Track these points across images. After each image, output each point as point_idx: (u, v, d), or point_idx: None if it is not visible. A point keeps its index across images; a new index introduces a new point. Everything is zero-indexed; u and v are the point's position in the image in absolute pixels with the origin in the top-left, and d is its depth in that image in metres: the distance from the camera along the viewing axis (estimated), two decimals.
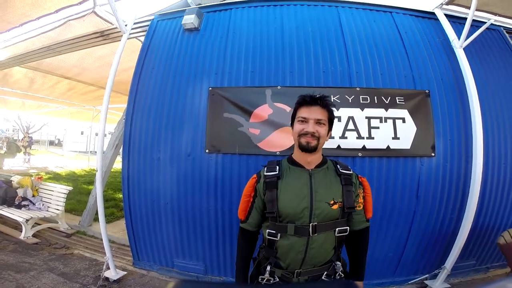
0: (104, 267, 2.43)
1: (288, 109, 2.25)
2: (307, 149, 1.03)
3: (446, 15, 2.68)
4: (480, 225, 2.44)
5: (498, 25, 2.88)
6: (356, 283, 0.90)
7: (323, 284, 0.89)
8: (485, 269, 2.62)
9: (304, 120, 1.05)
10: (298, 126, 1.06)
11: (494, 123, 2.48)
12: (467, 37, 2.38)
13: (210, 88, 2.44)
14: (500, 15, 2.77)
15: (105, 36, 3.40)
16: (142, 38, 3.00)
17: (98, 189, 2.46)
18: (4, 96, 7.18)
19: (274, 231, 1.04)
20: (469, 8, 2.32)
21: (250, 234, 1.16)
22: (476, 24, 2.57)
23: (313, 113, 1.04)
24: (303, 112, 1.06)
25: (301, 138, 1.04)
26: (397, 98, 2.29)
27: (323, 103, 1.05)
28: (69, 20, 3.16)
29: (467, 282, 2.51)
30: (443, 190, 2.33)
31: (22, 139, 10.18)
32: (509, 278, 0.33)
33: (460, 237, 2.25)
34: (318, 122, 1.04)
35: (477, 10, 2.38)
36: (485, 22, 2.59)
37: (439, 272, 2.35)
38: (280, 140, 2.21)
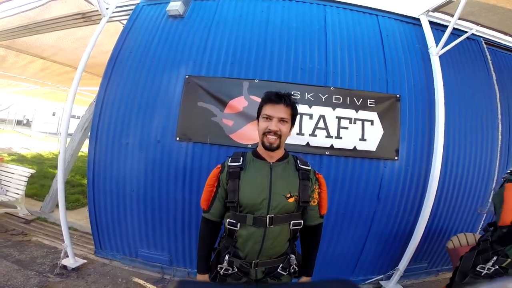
0: (62, 254, 2.35)
1: None
2: (270, 149, 1.07)
3: (431, 22, 2.70)
4: (434, 229, 2.58)
5: (479, 36, 2.94)
6: (353, 282, 0.94)
7: (323, 284, 0.92)
8: (435, 272, 2.78)
9: (268, 118, 1.07)
10: (262, 124, 1.09)
11: (456, 132, 2.59)
12: (445, 45, 2.41)
13: (186, 76, 2.39)
14: (484, 26, 2.80)
15: (87, 18, 3.24)
16: (125, 22, 2.88)
17: (59, 172, 2.35)
18: None
19: (234, 221, 1.07)
20: (453, 16, 2.30)
21: (212, 224, 1.17)
22: (458, 33, 2.63)
23: (277, 111, 1.07)
24: (268, 110, 1.08)
25: (265, 137, 1.07)
26: (368, 100, 2.36)
27: (287, 101, 1.08)
28: (51, 0, 2.98)
29: (419, 283, 2.64)
30: (403, 193, 2.43)
31: None
32: (509, 278, 0.34)
33: (414, 239, 2.35)
34: (281, 120, 1.07)
35: (461, 19, 2.40)
36: (467, 32, 2.63)
37: (393, 273, 2.45)
38: (252, 133, 2.22)
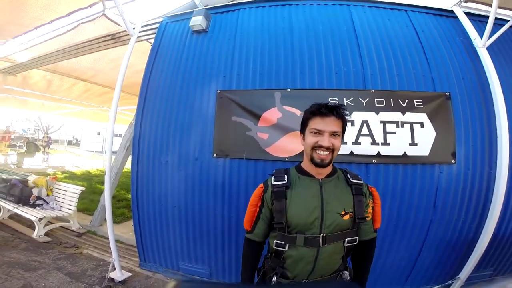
0: (110, 267, 2.46)
1: (298, 112, 2.17)
2: (321, 166, 1.00)
3: (465, 13, 2.53)
4: (501, 235, 2.28)
5: None
6: (353, 283, 0.87)
7: (324, 284, 0.86)
8: (502, 279, 2.43)
9: (318, 132, 1.00)
10: (311, 139, 1.01)
11: None
12: (490, 36, 2.22)
13: (218, 91, 2.41)
14: None
15: (117, 38, 3.47)
16: (152, 41, 3.02)
17: (106, 190, 2.50)
18: (24, 98, 7.51)
19: (282, 242, 1.02)
20: (489, 5, 2.18)
21: (256, 245, 1.14)
22: (497, 22, 2.40)
23: (329, 125, 0.99)
24: (317, 124, 1.00)
25: (314, 152, 1.00)
26: (415, 101, 2.16)
27: (339, 113, 1.00)
28: (81, 23, 3.24)
29: None
30: (463, 199, 2.18)
31: (41, 139, 10.64)
32: (509, 278, 0.25)
33: (478, 247, 2.12)
34: (333, 134, 0.99)
35: (500, 7, 2.23)
36: (508, 20, 2.40)
37: (452, 282, 2.24)
38: (289, 145, 2.14)
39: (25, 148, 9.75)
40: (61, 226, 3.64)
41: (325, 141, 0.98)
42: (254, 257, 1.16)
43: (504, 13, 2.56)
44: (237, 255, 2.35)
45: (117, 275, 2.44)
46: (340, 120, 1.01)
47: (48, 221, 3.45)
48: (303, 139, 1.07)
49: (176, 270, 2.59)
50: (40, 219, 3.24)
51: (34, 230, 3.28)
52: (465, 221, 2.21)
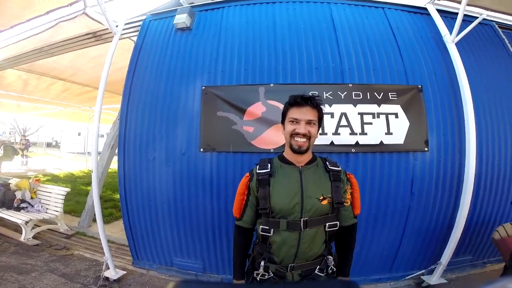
0: (104, 267, 2.46)
1: (281, 106, 2.19)
2: (299, 152, 1.07)
3: (438, 10, 2.68)
4: (475, 220, 2.46)
5: (490, 20, 2.87)
6: (353, 282, 0.94)
7: (323, 284, 0.92)
8: (482, 264, 2.65)
9: (295, 121, 1.07)
10: (289, 127, 1.09)
11: (488, 116, 2.49)
12: (459, 32, 2.37)
13: (203, 87, 2.44)
14: (491, 10, 2.76)
15: (98, 37, 3.38)
16: (135, 38, 2.98)
17: (94, 191, 2.47)
18: None
19: (267, 227, 1.07)
20: (459, 2, 2.31)
21: (245, 231, 1.19)
22: (468, 19, 2.57)
23: (304, 113, 1.06)
24: (294, 113, 1.08)
25: (293, 139, 1.07)
26: (389, 93, 2.30)
27: (314, 103, 1.07)
28: (61, 21, 3.13)
29: (464, 277, 2.53)
30: (437, 185, 2.34)
31: (19, 142, 10.13)
32: (509, 278, 0.34)
33: (454, 232, 2.27)
34: (309, 122, 1.06)
35: (468, 5, 2.37)
36: (477, 17, 2.58)
37: (435, 267, 2.38)
38: (274, 138, 2.23)
39: (1, 152, 9.26)
40: (49, 229, 3.55)
41: (301, 128, 1.05)
42: (244, 243, 1.20)
43: (474, 11, 2.72)
44: (229, 246, 2.41)
45: (112, 273, 2.44)
46: (316, 110, 1.08)
47: (35, 224, 3.37)
48: (284, 129, 1.14)
49: (170, 266, 2.62)
50: (26, 222, 3.17)
51: (21, 233, 3.20)
52: (441, 207, 2.37)
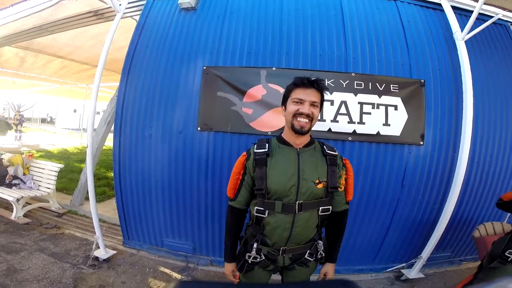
0: (94, 246, 2.45)
1: (282, 90, 2.22)
2: (301, 132, 1.06)
3: (453, 7, 2.61)
4: (459, 217, 2.51)
5: (506, 20, 2.81)
6: (353, 282, 0.94)
7: (323, 284, 0.94)
8: (458, 261, 2.72)
9: (300, 102, 1.06)
10: (293, 107, 1.07)
11: (486, 118, 2.49)
12: (471, 30, 2.32)
13: (204, 67, 2.40)
14: (508, 10, 2.68)
15: (99, 15, 3.30)
16: (138, 18, 2.91)
17: (88, 167, 2.44)
18: None
19: (262, 208, 1.07)
20: (477, 0, 2.24)
21: (238, 212, 1.18)
22: (483, 17, 2.53)
23: (309, 95, 1.06)
24: (299, 94, 1.07)
25: (295, 120, 1.06)
26: (391, 85, 2.29)
27: (319, 86, 1.07)
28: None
29: (441, 273, 2.59)
30: (428, 179, 2.37)
31: (13, 117, 9.96)
32: (509, 278, 0.34)
33: (438, 227, 2.30)
34: (312, 104, 1.06)
35: (486, 3, 2.32)
36: (492, 16, 2.52)
37: (415, 261, 2.42)
38: (272, 121, 2.22)
39: None
40: (40, 207, 3.52)
41: (306, 108, 1.04)
42: (237, 224, 1.19)
43: (490, 10, 2.65)
44: (220, 229, 2.42)
45: (102, 253, 2.44)
46: (319, 93, 1.08)
47: (26, 202, 3.32)
48: (285, 109, 1.13)
49: (160, 247, 2.63)
50: (18, 200, 3.11)
51: (12, 211, 3.16)
52: (428, 202, 2.40)
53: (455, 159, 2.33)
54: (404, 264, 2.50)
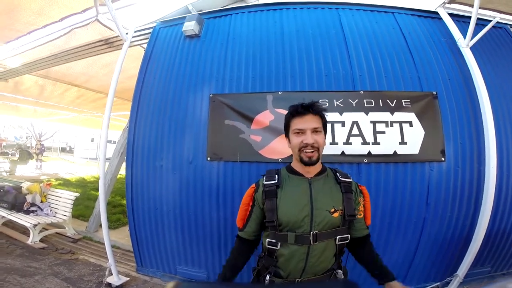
0: (107, 272, 2.45)
1: None
2: (311, 164, 1.02)
3: (449, 14, 2.61)
4: (496, 231, 2.33)
5: (504, 23, 2.78)
6: (353, 282, 0.87)
7: (323, 284, 0.88)
8: (501, 276, 2.49)
9: (301, 132, 1.03)
10: (296, 139, 1.04)
11: (507, 123, 2.36)
12: (473, 36, 2.29)
13: (211, 95, 2.43)
14: (504, 13, 2.67)
15: (110, 44, 3.46)
16: (145, 46, 3.03)
17: (101, 196, 2.49)
18: (16, 104, 7.42)
19: (274, 240, 1.03)
20: (471, 6, 2.24)
21: (245, 243, 1.15)
22: (480, 22, 2.49)
23: (308, 122, 1.03)
24: (298, 123, 1.04)
25: (302, 153, 1.02)
26: (403, 101, 2.22)
27: (315, 109, 1.04)
28: (74, 28, 3.23)
29: None
30: (455, 196, 2.23)
31: (34, 147, 10.51)
32: (509, 278, 0.27)
33: (473, 244, 2.15)
34: (314, 130, 1.02)
35: (480, 8, 2.31)
36: (490, 20, 2.50)
37: (451, 280, 2.25)
38: (282, 147, 2.17)
39: (17, 156, 9.61)
40: (57, 232, 3.60)
41: (308, 138, 1.01)
42: (241, 255, 1.15)
43: (486, 14, 2.65)
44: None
45: (114, 279, 2.42)
46: (318, 116, 1.04)
47: (43, 228, 3.41)
48: (289, 141, 1.10)
49: (174, 274, 2.58)
50: (34, 225, 3.21)
51: (29, 236, 3.24)
52: (458, 218, 2.25)
53: (481, 171, 2.20)
54: (439, 283, 2.33)
